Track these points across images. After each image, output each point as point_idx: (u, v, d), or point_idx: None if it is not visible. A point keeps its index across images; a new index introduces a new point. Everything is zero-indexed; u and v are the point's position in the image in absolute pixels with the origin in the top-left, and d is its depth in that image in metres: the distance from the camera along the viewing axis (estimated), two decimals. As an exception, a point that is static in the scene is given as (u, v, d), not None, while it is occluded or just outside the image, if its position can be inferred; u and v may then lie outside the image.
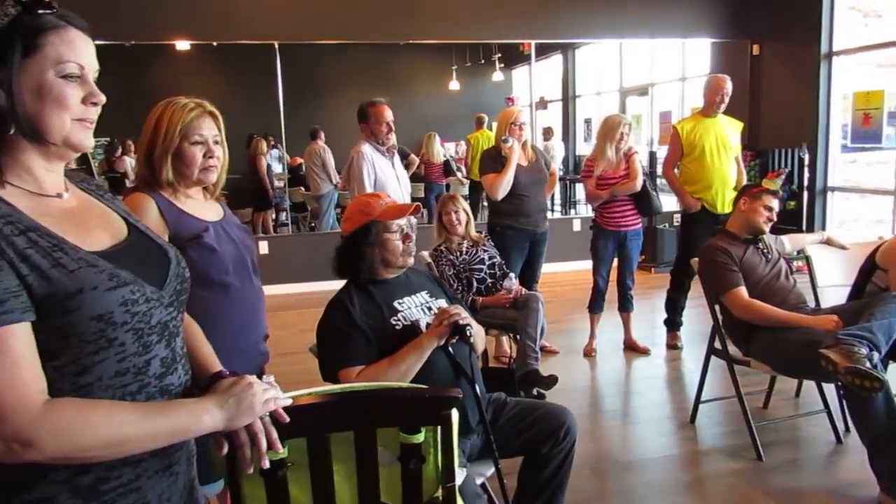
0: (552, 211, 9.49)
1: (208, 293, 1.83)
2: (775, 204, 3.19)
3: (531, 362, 3.30)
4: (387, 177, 3.71)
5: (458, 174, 8.95)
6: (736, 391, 3.10)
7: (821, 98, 6.59)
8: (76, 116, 0.97)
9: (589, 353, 4.54)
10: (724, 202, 4.32)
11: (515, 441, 2.15)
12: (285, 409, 1.11)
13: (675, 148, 4.49)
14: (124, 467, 0.99)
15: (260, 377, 1.17)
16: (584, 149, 9.80)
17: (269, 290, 6.32)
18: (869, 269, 3.00)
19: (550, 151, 9.59)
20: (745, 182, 4.49)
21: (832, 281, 3.45)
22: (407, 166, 8.01)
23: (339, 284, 2.20)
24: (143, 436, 0.96)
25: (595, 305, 4.52)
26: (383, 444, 1.20)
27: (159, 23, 6.13)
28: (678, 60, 8.07)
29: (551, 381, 3.24)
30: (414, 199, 7.22)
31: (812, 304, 3.21)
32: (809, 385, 3.48)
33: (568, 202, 9.82)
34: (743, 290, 2.99)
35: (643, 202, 4.30)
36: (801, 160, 6.72)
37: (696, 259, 3.24)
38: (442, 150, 8.76)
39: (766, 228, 3.18)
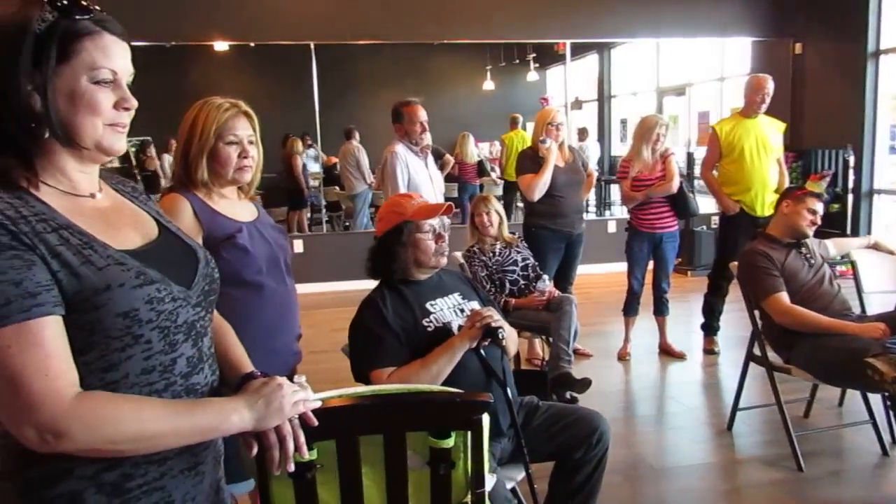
0: (587, 212, 9.40)
1: (242, 293, 1.84)
2: (819, 207, 3.09)
3: (563, 365, 3.26)
4: (420, 177, 3.70)
5: (492, 174, 8.92)
6: (776, 399, 3.01)
7: (867, 98, 6.41)
8: (108, 121, 0.99)
9: (623, 356, 4.47)
10: (763, 205, 4.22)
11: (547, 445, 2.13)
12: (314, 411, 1.11)
13: (713, 149, 4.41)
14: (150, 465, 1.00)
15: (292, 377, 1.17)
16: (620, 149, 9.67)
17: (303, 288, 6.37)
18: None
19: (585, 152, 9.47)
20: (787, 184, 4.38)
21: (879, 287, 3.33)
22: (442, 166, 8.01)
23: (372, 284, 2.20)
24: (171, 432, 0.97)
25: (629, 308, 4.46)
26: (413, 447, 1.19)
27: (198, 24, 6.23)
28: (717, 59, 7.92)
29: (584, 384, 3.19)
30: (447, 200, 7.23)
31: (857, 311, 3.12)
32: (853, 394, 3.36)
33: (603, 203, 9.71)
34: (784, 296, 2.90)
35: (679, 204, 4.22)
36: (845, 161, 6.54)
37: (735, 263, 3.16)
38: (476, 150, 8.74)
39: (810, 232, 3.09)
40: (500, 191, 8.48)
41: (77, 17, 0.94)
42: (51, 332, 0.90)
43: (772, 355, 3.08)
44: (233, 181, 1.89)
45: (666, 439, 3.36)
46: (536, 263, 3.78)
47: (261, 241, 1.90)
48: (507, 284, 3.61)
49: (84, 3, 0.96)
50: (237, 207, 1.92)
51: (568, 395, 3.13)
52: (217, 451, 1.15)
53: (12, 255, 0.88)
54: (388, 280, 2.16)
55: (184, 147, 1.86)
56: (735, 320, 4.62)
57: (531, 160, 4.11)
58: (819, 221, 3.11)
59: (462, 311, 2.15)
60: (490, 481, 1.24)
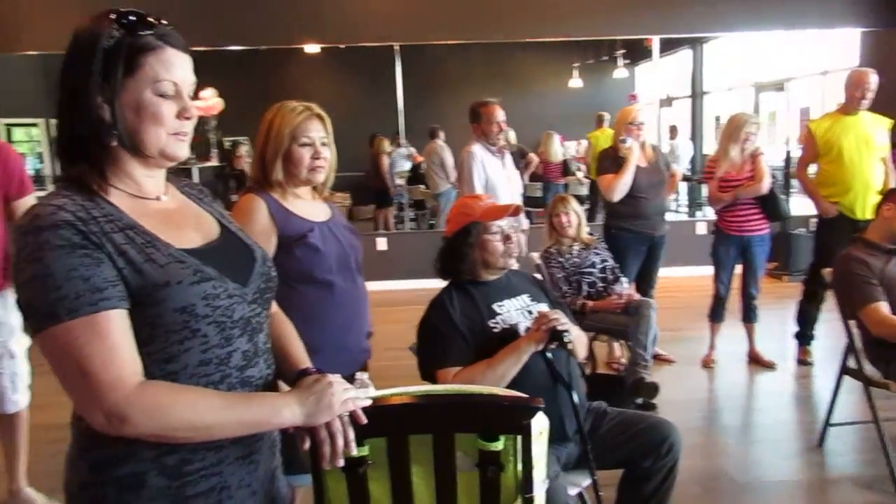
0: (676, 212, 9.09)
1: (314, 290, 1.91)
2: (925, 210, 2.87)
3: (640, 370, 3.18)
4: (497, 177, 3.70)
5: (578, 174, 8.77)
6: (872, 416, 2.82)
7: None
8: (171, 131, 1.06)
9: (707, 363, 4.30)
10: (864, 207, 3.94)
11: (615, 453, 2.08)
12: (365, 409, 1.13)
13: (808, 148, 4.18)
14: (207, 451, 1.06)
15: (352, 376, 1.20)
16: (714, 148, 9.28)
17: (386, 285, 6.54)
18: None
19: (676, 151, 9.17)
20: (893, 185, 4.08)
21: None
22: (526, 165, 7.97)
23: (447, 283, 2.22)
24: (225, 422, 1.03)
25: (715, 314, 4.28)
26: (462, 449, 1.19)
27: (288, 28, 6.45)
28: (819, 52, 7.44)
29: (651, 388, 3.10)
30: (530, 199, 7.18)
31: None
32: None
33: (693, 204, 9.36)
34: (883, 306, 2.71)
35: (769, 206, 4.01)
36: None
37: (829, 270, 2.98)
38: (561, 149, 8.61)
39: (913, 238, 2.87)
40: (585, 190, 8.33)
41: (140, 32, 1.02)
42: (116, 325, 0.97)
43: (869, 369, 2.89)
44: (306, 181, 1.96)
45: (750, 452, 3.21)
46: (615, 266, 3.70)
47: (332, 241, 1.96)
48: (585, 286, 3.56)
49: (149, 19, 1.03)
50: (311, 207, 1.99)
51: (640, 400, 3.05)
52: (272, 441, 1.20)
53: (83, 254, 0.96)
54: (456, 280, 2.17)
55: (260, 149, 1.94)
56: (832, 330, 4.33)
57: (612, 160, 4.02)
58: (924, 226, 2.88)
59: (530, 312, 2.13)
60: (541, 488, 1.22)
